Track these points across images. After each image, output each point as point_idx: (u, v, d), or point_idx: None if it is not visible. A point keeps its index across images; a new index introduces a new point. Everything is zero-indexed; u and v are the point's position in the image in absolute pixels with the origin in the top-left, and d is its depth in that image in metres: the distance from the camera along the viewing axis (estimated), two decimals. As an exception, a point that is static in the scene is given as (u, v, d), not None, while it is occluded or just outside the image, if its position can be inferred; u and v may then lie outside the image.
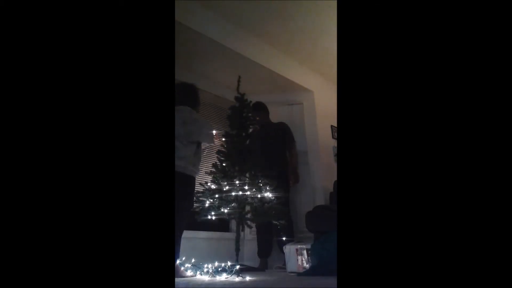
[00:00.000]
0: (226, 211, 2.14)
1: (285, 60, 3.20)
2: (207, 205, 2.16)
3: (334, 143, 3.42)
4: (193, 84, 2.10)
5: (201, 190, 2.20)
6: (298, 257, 2.21)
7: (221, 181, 2.18)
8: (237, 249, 2.13)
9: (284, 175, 2.75)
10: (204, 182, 2.25)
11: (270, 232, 2.67)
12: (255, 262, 2.66)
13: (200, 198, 2.17)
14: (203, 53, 2.74)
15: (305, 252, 2.17)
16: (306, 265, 2.13)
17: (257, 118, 2.78)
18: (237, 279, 1.63)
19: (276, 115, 3.18)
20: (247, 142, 2.36)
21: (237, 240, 2.15)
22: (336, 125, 3.46)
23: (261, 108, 2.95)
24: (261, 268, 2.54)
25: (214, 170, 2.26)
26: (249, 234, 2.90)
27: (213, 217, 2.14)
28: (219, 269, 1.79)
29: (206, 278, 1.69)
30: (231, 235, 2.70)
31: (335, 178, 2.73)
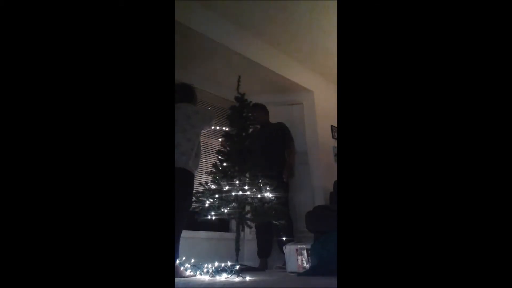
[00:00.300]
0: (226, 211, 2.14)
1: (285, 60, 3.20)
2: (207, 205, 2.16)
3: (334, 143, 3.42)
4: (190, 85, 2.22)
5: (201, 190, 2.20)
6: (298, 257, 2.21)
7: (221, 181, 2.19)
8: (237, 249, 2.13)
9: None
10: (204, 182, 2.26)
11: (270, 232, 2.67)
12: (255, 262, 2.66)
13: (200, 198, 2.17)
14: (203, 53, 2.74)
15: (305, 252, 2.17)
16: (306, 265, 2.13)
17: (257, 119, 2.79)
18: (237, 279, 1.63)
19: (276, 115, 3.18)
20: (247, 142, 2.36)
21: (237, 240, 2.15)
22: (336, 125, 3.46)
23: (260, 109, 2.95)
24: (261, 268, 2.54)
25: (214, 170, 2.26)
26: (249, 234, 2.90)
27: (213, 217, 2.14)
28: (219, 269, 1.79)
29: (206, 278, 1.69)
30: (231, 235, 2.70)
31: (335, 178, 2.73)
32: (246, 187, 2.13)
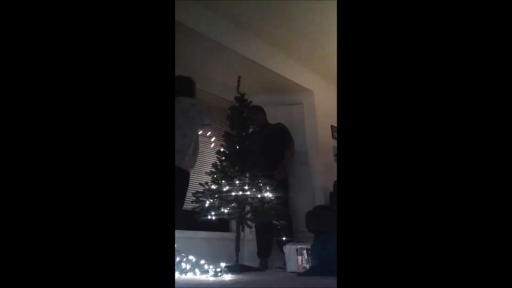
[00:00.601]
0: (226, 211, 2.14)
1: (285, 60, 3.20)
2: (207, 205, 2.16)
3: (334, 143, 3.42)
4: (190, 77, 2.15)
5: (201, 190, 2.20)
6: (298, 257, 2.21)
7: (221, 181, 2.19)
8: (237, 249, 2.13)
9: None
10: (204, 182, 2.26)
11: (270, 232, 2.67)
12: (255, 262, 2.66)
13: (200, 198, 2.17)
14: (203, 53, 2.74)
15: (305, 252, 2.17)
16: (306, 265, 2.13)
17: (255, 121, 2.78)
18: (237, 279, 1.63)
19: (276, 115, 3.18)
20: (247, 142, 2.36)
21: (237, 240, 2.15)
22: (336, 125, 3.46)
23: (257, 110, 2.94)
24: (261, 268, 2.54)
25: (214, 170, 2.26)
26: (249, 234, 2.90)
27: (213, 217, 2.14)
28: (219, 269, 1.79)
29: (206, 278, 1.69)
30: (231, 235, 2.70)
31: (335, 178, 2.73)
32: (246, 187, 2.13)
